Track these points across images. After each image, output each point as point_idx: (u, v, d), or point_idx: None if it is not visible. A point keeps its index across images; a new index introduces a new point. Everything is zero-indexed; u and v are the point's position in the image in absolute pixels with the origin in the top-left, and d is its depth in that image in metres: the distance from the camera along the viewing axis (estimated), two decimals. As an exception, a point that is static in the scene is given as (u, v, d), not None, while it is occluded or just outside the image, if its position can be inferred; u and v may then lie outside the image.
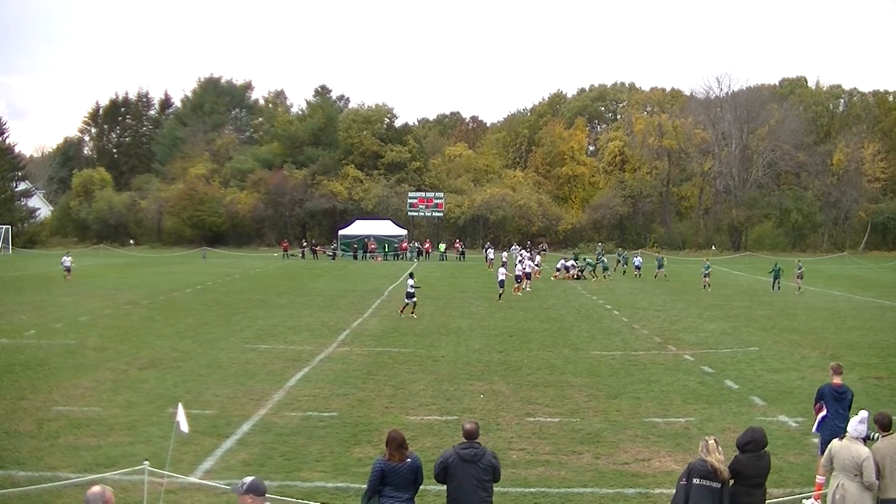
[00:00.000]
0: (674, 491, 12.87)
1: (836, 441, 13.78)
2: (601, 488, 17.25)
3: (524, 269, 60.89)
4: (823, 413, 17.49)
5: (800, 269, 63.38)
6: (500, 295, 53.65)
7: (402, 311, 44.73)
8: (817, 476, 16.42)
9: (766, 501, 13.61)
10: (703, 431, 20.23)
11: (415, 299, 44.64)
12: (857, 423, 13.58)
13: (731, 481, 12.89)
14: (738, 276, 75.67)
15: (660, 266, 79.33)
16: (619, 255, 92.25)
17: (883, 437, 13.86)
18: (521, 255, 73.29)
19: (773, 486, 16.42)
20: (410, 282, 45.56)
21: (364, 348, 34.51)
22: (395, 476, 12.52)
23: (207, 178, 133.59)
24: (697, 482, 12.30)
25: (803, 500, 16.62)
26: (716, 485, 12.33)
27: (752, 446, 13.20)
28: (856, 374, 29.89)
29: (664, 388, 27.01)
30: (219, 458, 18.86)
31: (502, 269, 56.09)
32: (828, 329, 42.72)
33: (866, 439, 13.65)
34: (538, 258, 77.22)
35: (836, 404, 17.42)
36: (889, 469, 13.57)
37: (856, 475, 13.20)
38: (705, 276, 65.56)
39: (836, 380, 17.75)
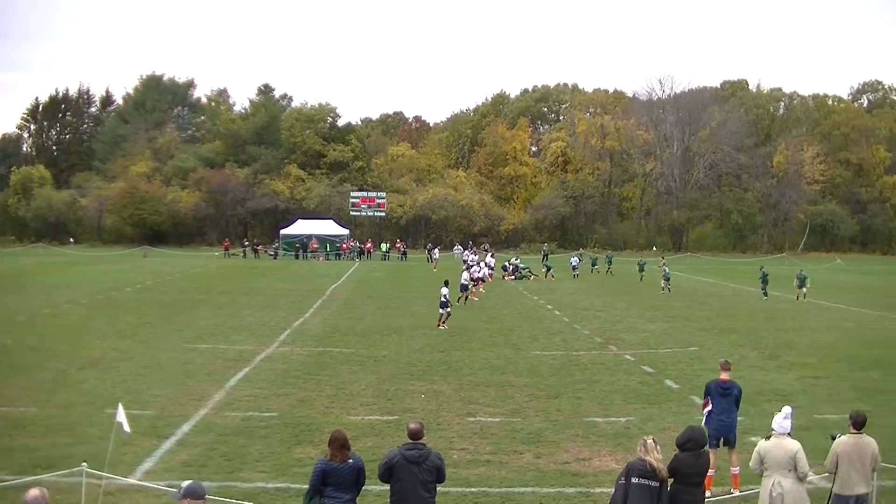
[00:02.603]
0: (613, 490, 12.95)
1: (762, 441, 13.94)
2: (542, 488, 17.36)
3: (474, 274, 59.53)
4: (709, 408, 17.70)
5: (802, 278, 60.17)
6: (460, 299, 52.19)
7: (440, 324, 41.69)
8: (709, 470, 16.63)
9: (706, 499, 13.76)
10: (644, 431, 20.36)
11: (449, 309, 42.20)
12: (782, 419, 13.77)
13: (671, 480, 13.01)
14: (679, 277, 76.03)
15: (609, 264, 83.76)
16: (590, 257, 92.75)
17: (851, 434, 14.02)
18: (468, 258, 73.23)
19: (714, 483, 16.65)
20: (444, 291, 43.19)
21: (305, 348, 34.45)
22: (337, 476, 12.50)
23: (149, 176, 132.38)
24: (636, 481, 12.36)
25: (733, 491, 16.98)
26: (654, 484, 12.40)
27: (691, 445, 13.33)
28: (794, 374, 30.32)
29: (605, 388, 27.16)
30: (159, 458, 18.78)
31: (466, 274, 55.17)
32: (766, 329, 43.10)
33: (788, 435, 13.79)
34: (492, 261, 76.89)
35: (722, 399, 17.67)
36: (848, 465, 13.77)
37: (790, 470, 13.36)
38: (665, 279, 65.44)
39: (724, 376, 18.02)
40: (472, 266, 61.20)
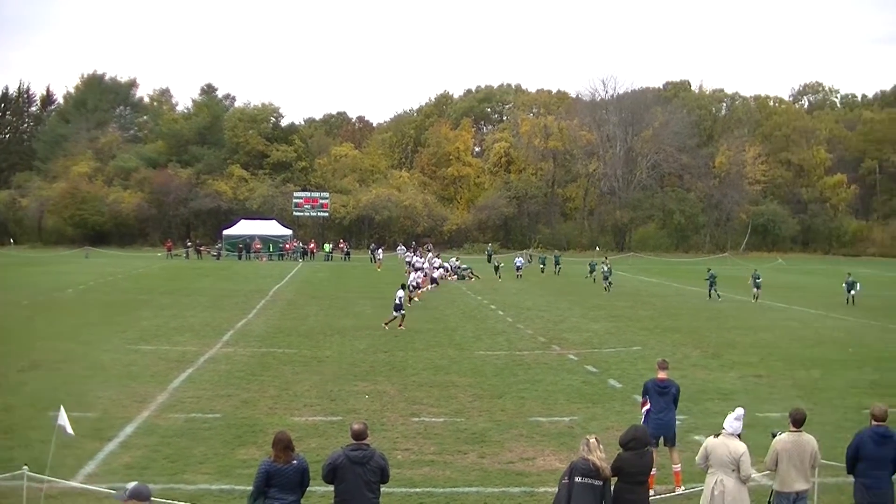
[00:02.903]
0: (557, 489, 12.99)
1: (711, 438, 14.02)
2: (486, 487, 17.39)
3: (419, 277, 59.35)
4: (647, 407, 17.84)
5: (757, 279, 60.28)
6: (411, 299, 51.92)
7: (386, 324, 41.47)
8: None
9: (650, 498, 13.84)
10: (587, 430, 20.44)
11: (403, 311, 41.90)
12: (733, 419, 13.85)
13: (615, 479, 13.08)
14: (622, 277, 76.39)
15: (557, 264, 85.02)
16: (538, 257, 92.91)
17: (791, 431, 14.13)
18: (413, 259, 73.23)
19: (657, 482, 16.73)
20: (399, 293, 43.03)
21: (249, 349, 34.31)
22: (281, 478, 12.45)
23: (91, 176, 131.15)
24: (579, 480, 12.39)
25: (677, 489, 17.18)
26: (598, 483, 12.44)
27: (635, 444, 13.38)
28: (736, 372, 30.55)
29: (548, 388, 27.24)
30: (101, 461, 18.63)
31: (413, 275, 54.74)
32: (709, 328, 43.45)
33: (738, 435, 13.88)
34: (437, 261, 77.00)
35: (660, 398, 17.82)
36: (787, 463, 13.88)
37: (733, 470, 13.45)
38: (605, 279, 65.79)
39: (661, 375, 18.16)
40: (418, 268, 61.20)
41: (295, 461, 12.61)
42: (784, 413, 19.67)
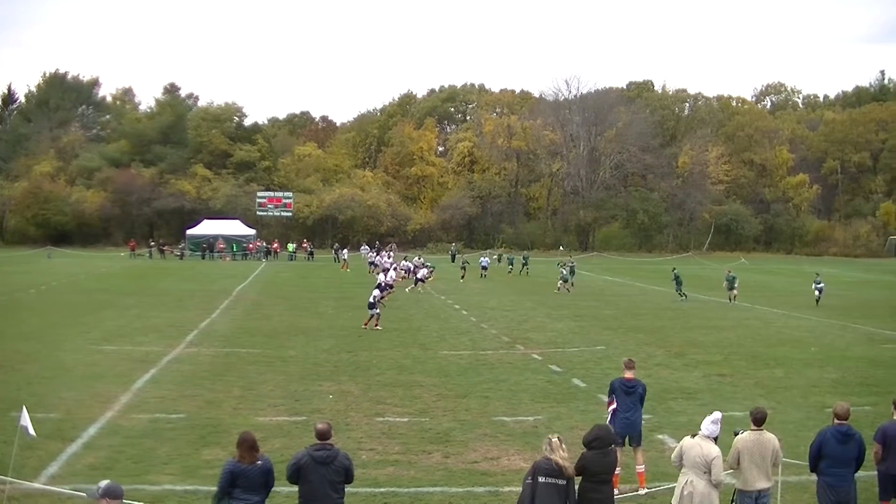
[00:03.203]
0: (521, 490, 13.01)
1: (687, 438, 14.05)
2: (451, 487, 17.39)
3: (391, 279, 59.15)
4: (613, 406, 17.87)
5: (731, 278, 58.94)
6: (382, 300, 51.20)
7: (366, 324, 41.41)
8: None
9: (614, 497, 13.89)
10: (552, 430, 20.43)
11: (377, 310, 41.64)
12: (710, 422, 13.87)
13: (579, 478, 13.11)
14: (586, 277, 76.59)
15: (525, 264, 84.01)
16: (500, 257, 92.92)
17: (752, 430, 14.19)
18: (379, 260, 73.15)
19: (620, 481, 16.79)
20: (376, 293, 43.00)
21: (213, 349, 34.21)
22: (246, 478, 12.41)
23: (53, 176, 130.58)
24: (543, 480, 12.38)
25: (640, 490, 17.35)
26: (561, 482, 12.43)
27: (598, 443, 13.40)
28: (700, 372, 30.67)
29: (513, 388, 27.27)
30: (64, 462, 18.50)
31: (382, 276, 54.54)
32: (673, 328, 43.62)
33: (715, 438, 13.94)
34: (419, 260, 76.98)
35: (626, 398, 17.81)
36: (749, 461, 13.95)
37: (704, 472, 13.48)
38: (563, 281, 65.39)
39: (628, 374, 18.15)
40: (386, 268, 61.12)
41: (259, 461, 12.57)
42: (748, 412, 19.79)
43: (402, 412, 23.60)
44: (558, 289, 63.41)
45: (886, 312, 51.15)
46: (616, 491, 16.36)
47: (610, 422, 17.68)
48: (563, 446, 12.67)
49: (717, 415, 14.05)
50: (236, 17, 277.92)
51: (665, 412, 23.40)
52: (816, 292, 55.53)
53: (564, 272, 66.15)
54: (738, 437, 14.17)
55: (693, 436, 14.01)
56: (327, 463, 12.59)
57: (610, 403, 18.06)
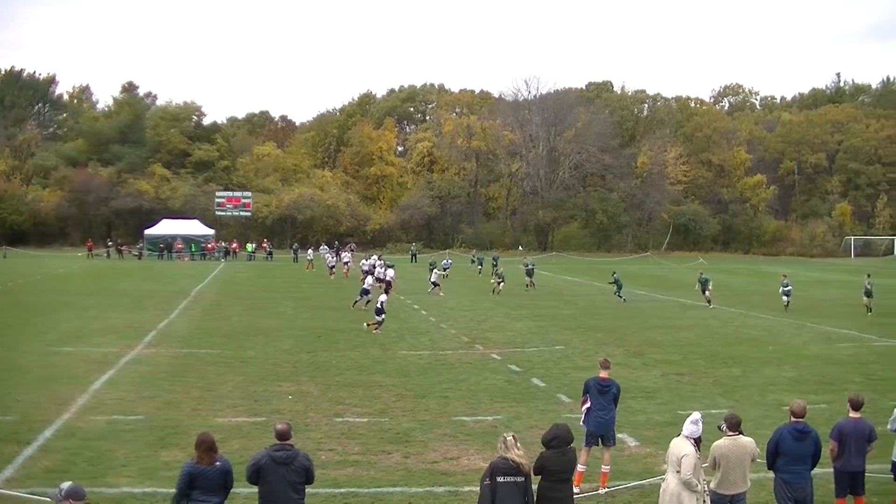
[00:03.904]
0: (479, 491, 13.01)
1: (674, 439, 14.10)
2: (411, 487, 17.41)
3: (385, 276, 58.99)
4: (587, 405, 17.91)
5: (704, 280, 56.44)
6: (356, 303, 49.92)
7: (373, 327, 40.84)
8: (578, 465, 16.85)
9: (574, 496, 13.92)
10: (511, 429, 20.44)
11: (383, 316, 40.96)
12: (689, 423, 13.91)
13: (539, 477, 13.15)
14: (545, 276, 76.74)
15: (495, 264, 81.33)
16: (473, 257, 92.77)
17: (728, 436, 14.25)
18: (334, 257, 73.10)
19: (584, 480, 16.85)
20: (383, 298, 42.18)
21: (171, 350, 34.04)
22: (205, 480, 12.38)
23: (8, 175, 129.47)
24: (502, 479, 12.43)
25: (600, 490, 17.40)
26: (520, 479, 12.50)
27: (557, 442, 13.41)
28: (658, 371, 30.82)
29: (472, 387, 27.32)
30: (20, 465, 18.38)
31: (370, 279, 53.63)
32: (632, 327, 43.78)
33: (697, 438, 13.98)
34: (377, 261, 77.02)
35: (600, 397, 17.88)
36: (725, 467, 14.01)
37: (677, 471, 13.56)
38: (500, 281, 64.17)
39: (603, 374, 18.22)
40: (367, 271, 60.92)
41: (218, 463, 12.55)
42: (707, 411, 19.96)
43: (362, 412, 23.59)
44: (493, 290, 62.14)
45: (842, 312, 51.52)
46: (577, 490, 16.48)
47: (584, 421, 17.82)
48: (518, 444, 12.74)
49: (697, 415, 14.11)
50: (195, 16, 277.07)
51: (624, 411, 23.43)
52: (784, 297, 53.29)
53: (501, 271, 65.70)
54: (715, 444, 14.20)
55: (677, 435, 14.05)
56: (287, 463, 12.57)
57: (584, 402, 18.11)
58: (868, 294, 51.54)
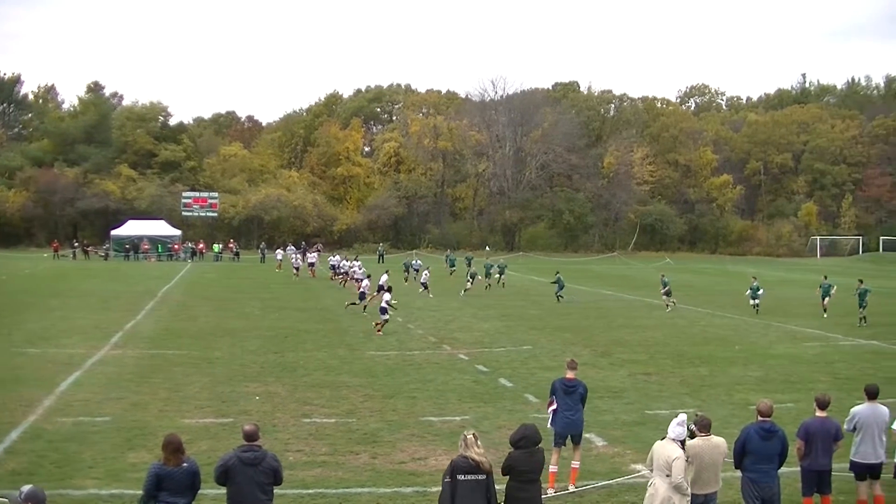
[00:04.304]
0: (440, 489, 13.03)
1: (657, 442, 14.10)
2: (379, 488, 17.41)
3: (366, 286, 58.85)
4: (554, 406, 17.95)
5: (665, 285, 54.47)
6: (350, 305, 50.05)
7: (377, 327, 40.87)
8: (551, 465, 16.96)
9: (542, 496, 13.94)
10: (479, 429, 20.52)
11: (387, 316, 41.40)
12: (675, 425, 13.91)
13: (506, 477, 13.17)
14: (512, 277, 76.76)
15: (469, 265, 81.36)
16: (446, 258, 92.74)
17: (700, 437, 14.28)
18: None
19: (557, 480, 16.88)
20: (387, 297, 42.58)
21: (138, 351, 33.92)
22: (172, 481, 12.33)
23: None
24: (462, 478, 12.48)
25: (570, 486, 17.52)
26: (481, 477, 12.52)
27: (525, 443, 13.42)
28: (625, 371, 30.91)
29: (440, 388, 27.34)
30: (-14, 468, 18.28)
31: (367, 282, 52.88)
32: (598, 327, 43.92)
33: (682, 440, 14.01)
34: (313, 256, 76.83)
35: (567, 398, 17.92)
36: (699, 466, 14.04)
37: (667, 475, 13.57)
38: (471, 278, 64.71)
39: (569, 374, 18.26)
40: (360, 277, 60.36)
41: (185, 464, 12.50)
42: (673, 410, 20.03)
43: (330, 413, 23.58)
44: (464, 290, 62.04)
45: (808, 311, 51.73)
46: (552, 491, 16.58)
47: (551, 422, 17.85)
48: (479, 442, 12.79)
49: (682, 417, 14.11)
50: (161, 16, 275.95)
51: (591, 411, 23.43)
52: (752, 301, 51.53)
53: (473, 271, 65.66)
54: (689, 443, 14.20)
55: (662, 439, 14.07)
56: (255, 464, 12.55)
57: (550, 403, 18.14)
58: (825, 295, 50.93)
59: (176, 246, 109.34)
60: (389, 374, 29.81)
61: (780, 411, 17.43)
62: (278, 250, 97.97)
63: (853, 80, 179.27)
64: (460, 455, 12.68)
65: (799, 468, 15.87)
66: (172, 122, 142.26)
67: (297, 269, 76.59)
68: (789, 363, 33.48)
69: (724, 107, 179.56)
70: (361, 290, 50.45)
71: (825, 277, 53.16)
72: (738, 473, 14.98)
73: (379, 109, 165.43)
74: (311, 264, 78.57)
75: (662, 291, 53.90)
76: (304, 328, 41.47)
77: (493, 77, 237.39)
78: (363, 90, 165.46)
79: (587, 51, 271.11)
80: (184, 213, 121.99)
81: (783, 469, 14.96)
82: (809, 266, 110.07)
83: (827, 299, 50.57)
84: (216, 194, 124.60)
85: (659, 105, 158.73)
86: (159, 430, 19.63)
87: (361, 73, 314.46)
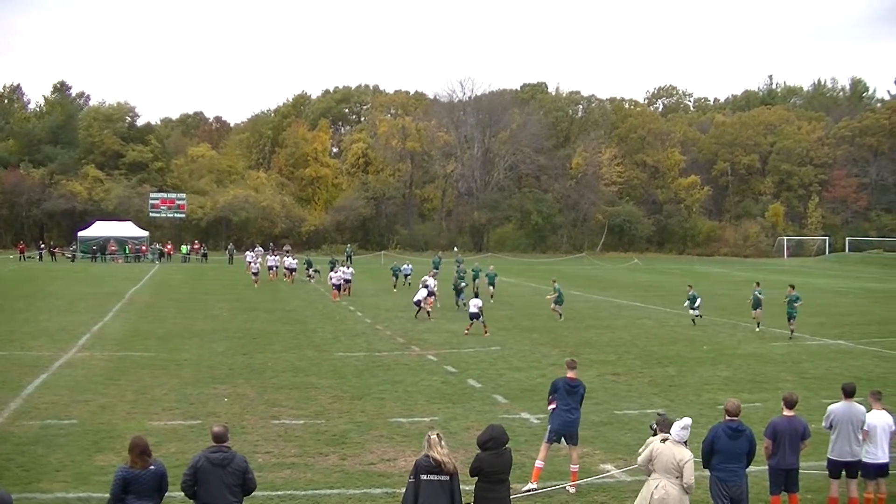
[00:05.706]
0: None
1: (657, 443, 14.04)
2: (348, 489, 17.44)
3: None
4: (553, 406, 18.05)
5: (557, 291, 50.20)
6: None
7: (468, 330, 41.39)
8: (537, 461, 17.14)
9: (511, 496, 13.94)
10: (448, 430, 20.58)
11: (482, 318, 41.59)
12: (680, 428, 13.92)
13: (475, 479, 13.19)
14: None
15: (435, 267, 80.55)
16: (433, 261, 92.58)
17: (662, 436, 14.30)
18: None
19: (517, 481, 16.87)
20: (477, 302, 42.43)
21: (105, 353, 33.75)
22: (139, 484, 12.29)
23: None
24: (426, 478, 12.52)
25: (567, 488, 17.57)
26: (444, 478, 12.56)
27: (493, 444, 13.41)
28: (594, 371, 30.94)
29: (408, 389, 27.36)
30: (-48, 471, 18.16)
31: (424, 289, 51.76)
32: (567, 328, 44.01)
33: (685, 444, 14.04)
34: (290, 260, 76.08)
35: (568, 397, 18.08)
36: (657, 467, 14.07)
37: (677, 477, 13.57)
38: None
39: (570, 374, 18.44)
40: (348, 278, 59.96)
41: (152, 466, 12.46)
42: (642, 410, 20.14)
43: (298, 414, 23.56)
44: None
45: (775, 311, 51.72)
46: (534, 485, 16.68)
47: (550, 420, 17.92)
48: (443, 442, 12.81)
49: (687, 420, 14.14)
50: (128, 15, 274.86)
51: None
52: (692, 312, 47.73)
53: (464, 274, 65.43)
54: (657, 445, 14.22)
55: (663, 441, 14.05)
56: (224, 465, 12.54)
57: (551, 402, 18.25)
58: (756, 305, 46.08)
59: (143, 247, 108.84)
60: (358, 375, 29.79)
61: (747, 410, 17.57)
62: (247, 252, 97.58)
63: (819, 81, 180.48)
64: (423, 455, 12.70)
65: (767, 467, 15.96)
66: (140, 122, 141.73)
67: (256, 274, 71.94)
68: (756, 363, 33.71)
69: (691, 108, 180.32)
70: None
71: (757, 284, 49.58)
72: (706, 473, 15.03)
73: (347, 110, 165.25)
74: (291, 270, 75.10)
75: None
76: (273, 329, 41.39)
77: (462, 78, 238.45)
78: (331, 91, 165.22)
79: (555, 52, 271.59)
80: (151, 215, 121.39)
81: (751, 468, 15.06)
82: (777, 266, 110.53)
83: (759, 310, 45.89)
84: (184, 195, 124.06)
85: (627, 106, 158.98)
86: (126, 433, 19.54)
87: (329, 73, 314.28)
